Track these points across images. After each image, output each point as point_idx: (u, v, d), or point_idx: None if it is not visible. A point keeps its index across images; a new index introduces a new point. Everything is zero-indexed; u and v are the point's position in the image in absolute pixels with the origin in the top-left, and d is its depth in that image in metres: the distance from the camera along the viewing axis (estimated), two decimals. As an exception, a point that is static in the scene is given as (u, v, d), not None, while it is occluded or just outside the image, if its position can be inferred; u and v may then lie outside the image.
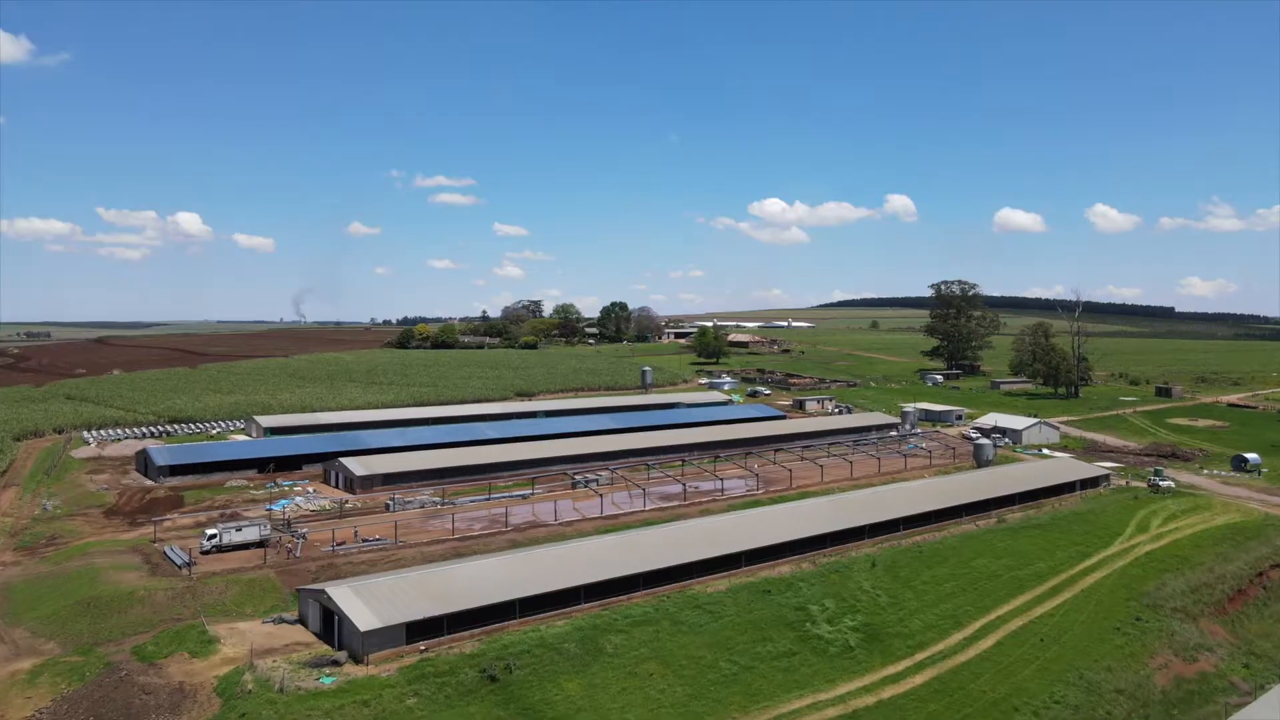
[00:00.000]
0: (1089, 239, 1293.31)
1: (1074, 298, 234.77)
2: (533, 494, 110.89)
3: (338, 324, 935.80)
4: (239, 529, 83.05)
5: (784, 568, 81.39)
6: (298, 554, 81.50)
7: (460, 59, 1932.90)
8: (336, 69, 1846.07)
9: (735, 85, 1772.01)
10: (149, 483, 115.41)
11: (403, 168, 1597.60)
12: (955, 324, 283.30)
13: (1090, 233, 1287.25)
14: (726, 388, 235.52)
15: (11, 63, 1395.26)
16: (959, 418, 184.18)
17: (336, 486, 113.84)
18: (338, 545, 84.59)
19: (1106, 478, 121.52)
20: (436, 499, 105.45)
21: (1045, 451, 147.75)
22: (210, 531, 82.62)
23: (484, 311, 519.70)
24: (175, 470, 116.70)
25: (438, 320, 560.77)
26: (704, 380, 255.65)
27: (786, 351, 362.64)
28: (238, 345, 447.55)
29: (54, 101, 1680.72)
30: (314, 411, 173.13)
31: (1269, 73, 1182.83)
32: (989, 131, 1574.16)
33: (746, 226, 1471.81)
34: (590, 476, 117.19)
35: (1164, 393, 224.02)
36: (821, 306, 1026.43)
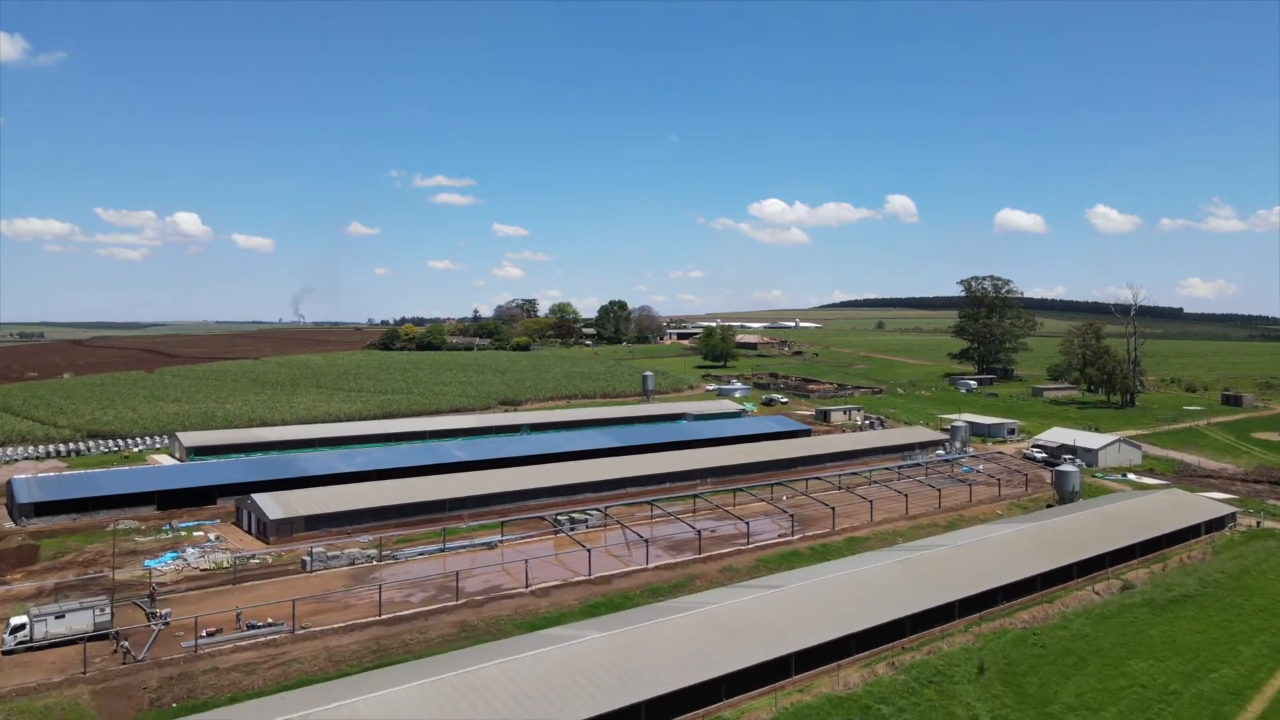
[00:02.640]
0: (1090, 240, 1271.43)
1: (1130, 297, 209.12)
2: (501, 541, 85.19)
3: (333, 324, 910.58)
4: (61, 615, 57.37)
5: (851, 674, 55.77)
6: (142, 655, 55.79)
7: (459, 59, 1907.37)
8: (335, 68, 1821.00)
9: (735, 86, 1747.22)
10: (9, 525, 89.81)
11: (402, 168, 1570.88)
12: (987, 324, 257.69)
13: (1091, 233, 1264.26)
14: (738, 395, 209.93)
15: (7, 62, 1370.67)
16: (1011, 432, 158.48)
17: (249, 530, 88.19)
18: (208, 634, 58.95)
19: (1233, 516, 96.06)
20: (371, 552, 79.65)
21: (1131, 477, 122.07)
22: (16, 621, 57.03)
23: (476, 310, 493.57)
24: (45, 509, 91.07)
25: (436, 321, 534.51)
26: (712, 386, 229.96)
27: (798, 354, 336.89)
28: (216, 346, 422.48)
29: (51, 101, 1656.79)
30: (252, 426, 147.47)
31: (1269, 73, 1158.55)
32: (989, 132, 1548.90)
33: (746, 227, 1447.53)
34: (578, 516, 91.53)
35: (1232, 401, 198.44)
36: (823, 307, 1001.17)
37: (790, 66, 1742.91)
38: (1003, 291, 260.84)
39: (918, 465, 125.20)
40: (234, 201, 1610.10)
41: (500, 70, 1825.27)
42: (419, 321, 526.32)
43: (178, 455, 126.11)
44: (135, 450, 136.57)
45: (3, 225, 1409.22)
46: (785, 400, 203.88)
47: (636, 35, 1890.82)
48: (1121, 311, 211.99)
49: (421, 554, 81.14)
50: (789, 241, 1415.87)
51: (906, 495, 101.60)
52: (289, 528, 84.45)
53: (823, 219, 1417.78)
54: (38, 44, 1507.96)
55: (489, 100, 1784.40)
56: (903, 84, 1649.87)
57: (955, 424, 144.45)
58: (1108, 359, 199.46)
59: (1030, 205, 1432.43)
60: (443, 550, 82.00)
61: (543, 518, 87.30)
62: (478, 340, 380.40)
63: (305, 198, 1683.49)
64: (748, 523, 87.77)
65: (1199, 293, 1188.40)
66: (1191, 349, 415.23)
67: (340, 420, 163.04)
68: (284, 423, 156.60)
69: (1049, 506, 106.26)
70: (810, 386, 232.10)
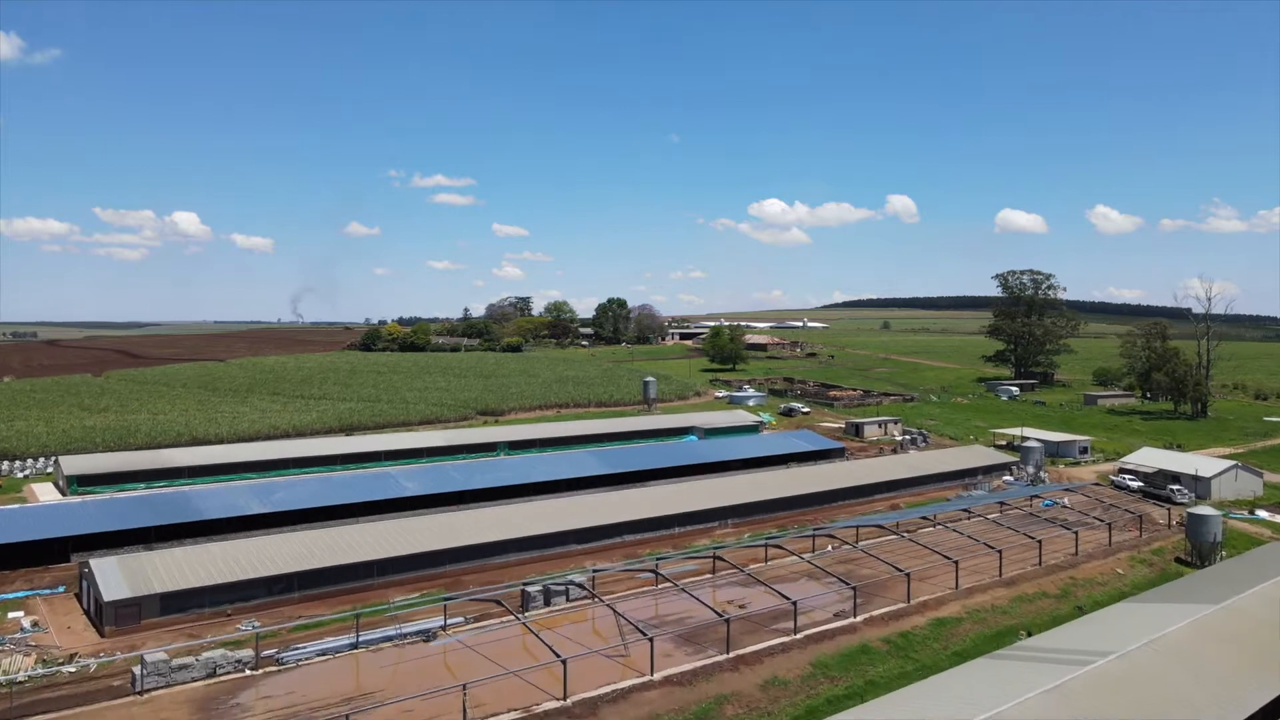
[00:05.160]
0: (1090, 240, 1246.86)
1: (1204, 294, 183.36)
2: (444, 628, 59.69)
3: (331, 324, 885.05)
4: None
5: None
6: None
7: (459, 58, 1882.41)
8: (334, 67, 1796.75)
9: (735, 85, 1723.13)
10: None
11: (401, 167, 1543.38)
12: (1026, 323, 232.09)
13: (1091, 234, 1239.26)
14: (752, 403, 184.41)
15: (2, 60, 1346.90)
16: (1083, 450, 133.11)
17: (88, 610, 62.65)
18: None
19: None
20: (244, 655, 53.92)
21: (1263, 514, 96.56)
22: None
23: (466, 309, 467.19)
24: None
25: (435, 321, 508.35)
26: (722, 393, 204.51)
27: (812, 355, 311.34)
28: (190, 347, 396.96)
29: (47, 100, 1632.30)
30: (179, 445, 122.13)
31: (1270, 72, 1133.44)
32: (990, 132, 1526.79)
33: (746, 227, 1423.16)
34: (555, 585, 65.93)
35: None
36: (823, 308, 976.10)
37: (790, 66, 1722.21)
38: (1043, 287, 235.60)
39: (989, 499, 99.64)
40: (233, 201, 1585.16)
41: (500, 70, 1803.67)
42: (408, 322, 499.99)
43: (61, 485, 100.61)
44: (20, 476, 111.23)
45: (1, 225, 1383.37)
46: (806, 410, 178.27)
47: (636, 35, 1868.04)
48: (1195, 315, 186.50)
49: (322, 654, 55.53)
50: (789, 242, 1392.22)
51: (1000, 550, 75.72)
52: (135, 612, 58.79)
53: (823, 219, 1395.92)
54: (33, 42, 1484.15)
55: (488, 100, 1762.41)
56: (903, 84, 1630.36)
57: (1028, 443, 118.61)
58: (1177, 363, 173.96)
59: (1031, 205, 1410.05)
60: (354, 647, 56.40)
61: (499, 603, 61.08)
62: (465, 341, 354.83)
63: (304, 197, 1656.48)
64: (794, 603, 61.96)
65: (1200, 293, 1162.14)
66: (1242, 350, 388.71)
67: (287, 436, 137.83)
68: (219, 440, 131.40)
69: (1180, 561, 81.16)
70: (832, 393, 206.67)
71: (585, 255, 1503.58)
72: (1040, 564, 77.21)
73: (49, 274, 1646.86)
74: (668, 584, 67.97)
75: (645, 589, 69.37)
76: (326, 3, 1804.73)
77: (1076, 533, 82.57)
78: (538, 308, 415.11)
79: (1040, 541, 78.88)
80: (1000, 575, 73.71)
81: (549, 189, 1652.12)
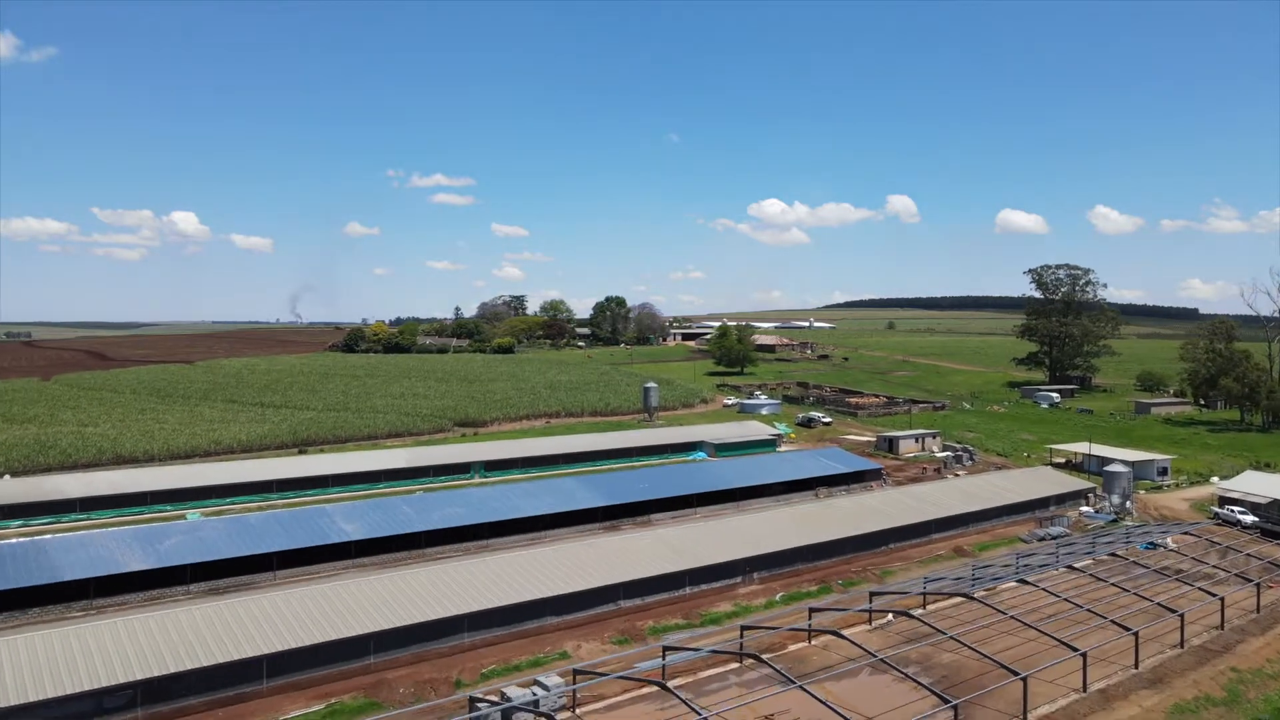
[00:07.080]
0: (1091, 241, 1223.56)
1: (1275, 291, 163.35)
2: (344, 781, 39.48)
3: (327, 325, 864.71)
4: None
5: None
6: None
7: (459, 57, 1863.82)
8: (333, 67, 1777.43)
9: (735, 85, 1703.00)
10: None
11: (400, 167, 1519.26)
12: (1063, 323, 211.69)
13: (1092, 235, 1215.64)
14: (765, 412, 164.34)
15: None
16: (1163, 472, 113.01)
17: None
18: None
19: None
20: None
21: None
22: None
23: (458, 309, 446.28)
24: None
25: (431, 320, 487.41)
26: (731, 401, 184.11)
27: (824, 358, 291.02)
28: (166, 348, 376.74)
29: (44, 99, 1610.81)
30: (76, 468, 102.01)
31: (1271, 72, 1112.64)
32: (990, 133, 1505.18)
33: (746, 227, 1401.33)
34: (520, 697, 45.63)
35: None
36: (824, 308, 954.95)
37: (790, 66, 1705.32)
38: (1081, 284, 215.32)
39: (1080, 544, 79.40)
40: (232, 201, 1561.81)
41: (499, 69, 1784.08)
42: (401, 322, 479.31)
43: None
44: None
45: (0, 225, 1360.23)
46: (828, 420, 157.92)
47: (635, 34, 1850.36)
48: (1266, 317, 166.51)
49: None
50: (789, 242, 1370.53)
51: (1135, 631, 55.18)
52: None
53: (823, 219, 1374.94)
54: (29, 40, 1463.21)
55: (488, 100, 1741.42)
56: (903, 84, 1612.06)
57: (1112, 466, 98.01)
58: (1248, 367, 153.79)
59: (1031, 206, 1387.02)
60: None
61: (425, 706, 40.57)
62: (454, 341, 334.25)
63: (303, 197, 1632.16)
64: (856, 714, 41.71)
65: (1200, 294, 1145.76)
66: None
67: (230, 452, 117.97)
68: (146, 458, 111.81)
69: (1362, 637, 60.60)
70: (852, 400, 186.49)
71: (585, 256, 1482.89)
72: (1181, 644, 57.00)
73: (48, 274, 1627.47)
74: (679, 690, 47.59)
75: (648, 693, 49.36)
76: (326, 3, 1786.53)
77: (1222, 598, 62.19)
78: (534, 307, 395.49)
79: (1183, 616, 58.48)
80: (1137, 665, 53.51)
81: (549, 189, 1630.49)
